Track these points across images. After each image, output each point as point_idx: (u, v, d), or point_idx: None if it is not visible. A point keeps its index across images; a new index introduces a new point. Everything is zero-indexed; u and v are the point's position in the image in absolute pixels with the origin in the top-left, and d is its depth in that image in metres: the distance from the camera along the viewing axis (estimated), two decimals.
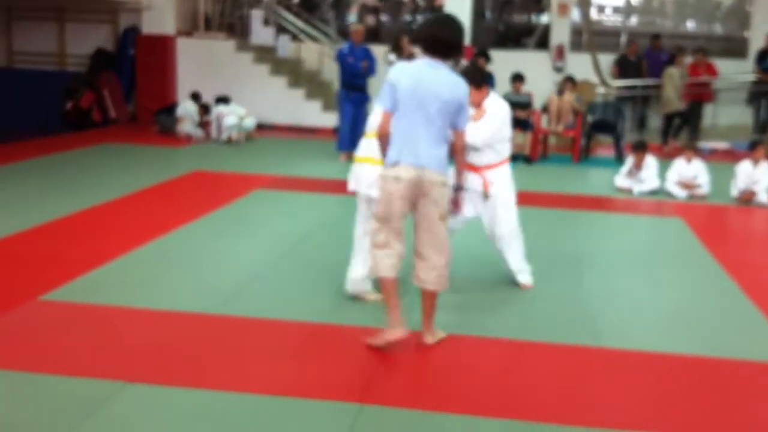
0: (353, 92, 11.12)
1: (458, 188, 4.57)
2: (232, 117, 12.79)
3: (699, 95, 13.81)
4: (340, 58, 11.15)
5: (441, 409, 3.73)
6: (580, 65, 14.10)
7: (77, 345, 4.32)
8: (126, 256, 6.03)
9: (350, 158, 11.22)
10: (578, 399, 3.93)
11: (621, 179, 9.89)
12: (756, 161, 9.29)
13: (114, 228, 7.00)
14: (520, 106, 11.87)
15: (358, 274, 5.17)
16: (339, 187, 9.63)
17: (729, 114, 14.77)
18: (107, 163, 10.66)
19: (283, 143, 13.15)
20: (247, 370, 4.10)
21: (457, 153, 4.44)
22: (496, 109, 5.43)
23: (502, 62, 13.21)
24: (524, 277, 5.68)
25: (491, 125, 5.34)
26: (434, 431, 3.54)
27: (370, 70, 11.14)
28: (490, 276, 5.85)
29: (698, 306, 5.50)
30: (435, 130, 4.20)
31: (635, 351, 4.57)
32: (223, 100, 13.15)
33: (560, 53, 14.93)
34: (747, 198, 9.19)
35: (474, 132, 5.21)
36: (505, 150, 5.52)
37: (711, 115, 14.60)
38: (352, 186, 5.19)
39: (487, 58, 12.43)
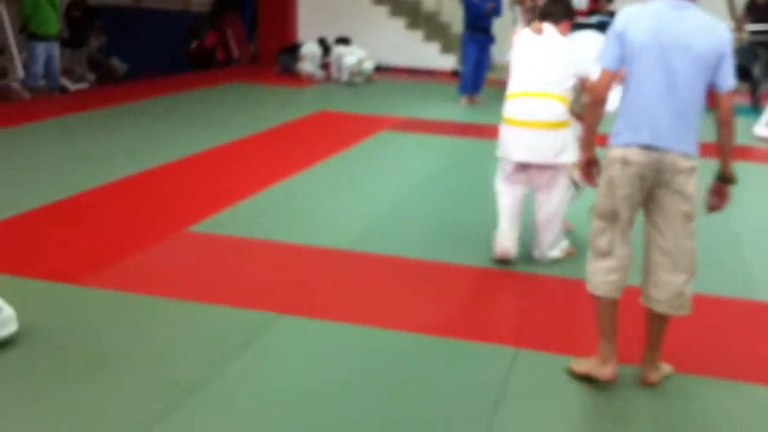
0: (478, 34, 10.88)
1: (727, 180, 3.32)
2: (351, 58, 12.76)
3: None
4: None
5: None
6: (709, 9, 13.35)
7: (226, 275, 4.41)
8: (262, 193, 6.10)
9: (472, 101, 11.13)
10: None
11: (762, 128, 9.38)
12: None
13: (249, 165, 7.10)
14: None
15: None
16: (463, 129, 9.57)
17: None
18: (234, 101, 10.83)
19: (402, 85, 13.06)
20: (394, 308, 4.09)
21: (723, 125, 3.21)
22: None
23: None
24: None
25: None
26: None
27: (496, 11, 10.85)
28: None
29: None
30: (683, 95, 3.11)
31: None
32: (343, 40, 13.13)
33: None
34: None
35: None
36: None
37: None
38: (509, 154, 4.65)
39: None
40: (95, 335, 3.59)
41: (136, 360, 3.38)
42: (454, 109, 10.81)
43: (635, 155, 3.13)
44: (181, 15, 15.23)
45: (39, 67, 10.54)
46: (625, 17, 3.21)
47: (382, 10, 14.88)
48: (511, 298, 4.35)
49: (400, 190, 6.45)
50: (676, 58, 3.09)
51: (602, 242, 3.25)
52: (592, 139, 3.33)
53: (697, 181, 3.17)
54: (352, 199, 6.12)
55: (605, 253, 3.25)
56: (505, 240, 4.70)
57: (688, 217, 3.16)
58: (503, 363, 3.52)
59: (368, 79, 12.95)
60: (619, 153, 3.16)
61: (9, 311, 3.39)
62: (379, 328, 3.82)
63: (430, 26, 15.16)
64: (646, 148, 3.12)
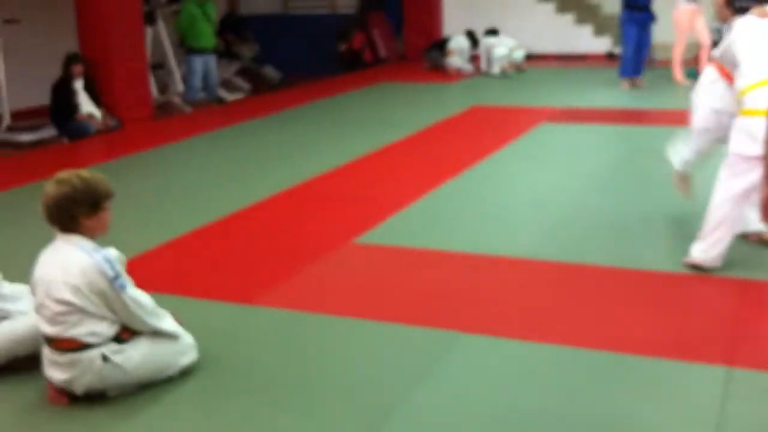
0: (638, 12, 10.28)
1: None
2: (501, 48, 12.39)
3: None
4: None
5: None
6: None
7: (399, 290, 4.22)
8: (424, 198, 5.90)
9: (634, 85, 10.53)
10: None
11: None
12: None
13: (407, 169, 6.94)
14: None
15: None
16: (629, 116, 9.04)
17: None
18: (385, 102, 10.74)
19: (555, 73, 12.59)
20: (583, 323, 3.77)
21: None
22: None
23: None
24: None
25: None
26: None
27: None
28: None
29: None
30: None
31: None
32: (491, 32, 12.79)
33: None
34: None
35: None
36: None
37: None
38: (744, 148, 4.05)
39: None
40: (275, 360, 3.48)
41: (321, 386, 3.24)
42: (616, 95, 10.26)
43: None
44: (328, 18, 15.34)
45: (197, 81, 10.85)
46: None
47: None
48: (716, 308, 3.92)
49: (569, 188, 6.09)
50: None
51: None
52: None
53: None
54: (519, 201, 5.81)
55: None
56: (723, 248, 4.25)
57: None
58: (715, 386, 3.13)
59: (519, 68, 12.54)
60: None
61: (188, 339, 3.34)
62: (569, 346, 3.51)
63: (581, 8, 14.54)
64: None
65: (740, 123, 4.11)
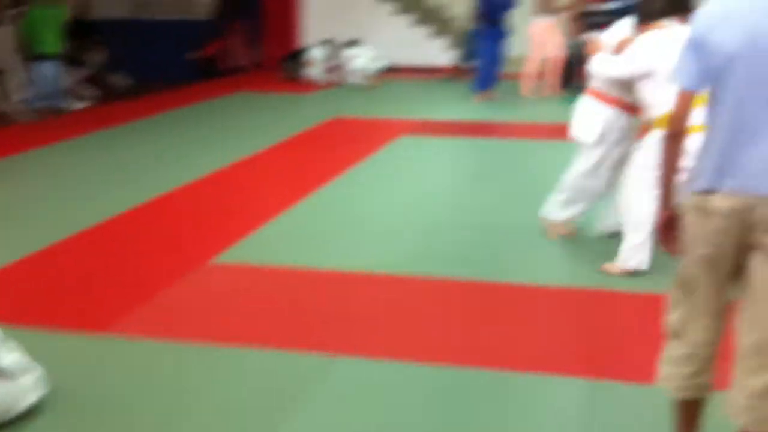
0: (492, 27, 10.54)
1: None
2: (361, 59, 12.42)
3: None
4: None
5: None
6: None
7: (264, 312, 4.06)
8: (287, 213, 5.75)
9: (488, 97, 10.79)
10: None
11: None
12: None
13: (267, 182, 6.78)
14: None
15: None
16: (483, 129, 9.23)
17: None
18: (244, 113, 10.50)
19: (414, 85, 12.74)
20: (454, 338, 3.74)
21: None
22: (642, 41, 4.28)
23: None
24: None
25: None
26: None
27: (511, 3, 10.51)
28: None
29: None
30: None
31: None
32: (351, 43, 12.80)
33: None
34: None
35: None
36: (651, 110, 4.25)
37: None
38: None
39: None
40: (132, 395, 3.23)
41: (183, 421, 3.04)
42: (471, 107, 10.48)
43: (719, 203, 2.28)
44: (183, 24, 14.88)
45: (41, 88, 10.22)
46: (705, 16, 2.33)
47: (388, 8, 14.53)
48: (576, 321, 3.99)
49: (433, 200, 6.11)
50: None
51: (673, 318, 2.48)
52: (672, 188, 2.46)
53: None
54: (385, 215, 5.76)
55: (674, 334, 2.48)
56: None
57: None
58: (578, 395, 3.17)
59: (379, 80, 12.60)
60: (696, 201, 2.33)
61: (32, 376, 3.05)
62: (441, 365, 3.46)
63: (439, 21, 14.81)
64: (735, 194, 2.26)
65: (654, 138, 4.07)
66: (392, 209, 5.89)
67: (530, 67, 11.09)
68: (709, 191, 2.30)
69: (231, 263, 4.77)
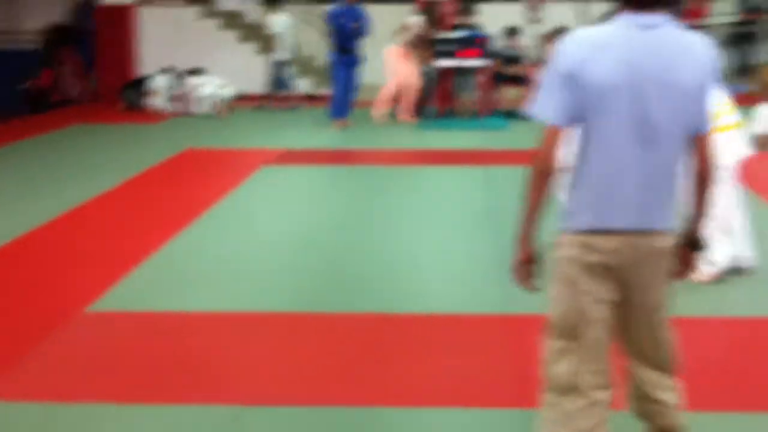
0: (346, 55, 10.50)
1: (695, 246, 2.45)
2: (208, 87, 12.03)
3: None
4: (332, 19, 10.48)
5: None
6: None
7: (143, 363, 3.69)
8: (158, 253, 5.35)
9: (344, 125, 10.71)
10: None
11: None
12: None
13: (131, 220, 6.32)
14: (514, 60, 11.48)
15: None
16: (343, 157, 9.12)
17: None
18: (85, 147, 9.83)
19: (263, 113, 12.41)
20: (351, 377, 3.56)
21: (706, 180, 2.37)
22: None
23: (488, 14, 12.67)
24: None
25: None
26: None
27: (363, 30, 10.52)
28: None
29: None
30: (664, 149, 2.25)
31: None
32: (195, 71, 12.37)
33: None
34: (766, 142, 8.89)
35: None
36: None
37: None
38: None
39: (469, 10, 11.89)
40: None
41: None
42: (329, 135, 10.35)
43: (602, 242, 2.25)
44: (10, 54, 13.87)
45: None
46: (576, 49, 2.23)
47: (231, 36, 14.18)
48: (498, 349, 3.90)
49: (305, 234, 5.89)
50: (655, 100, 2.20)
51: (561, 370, 2.31)
52: (533, 227, 2.35)
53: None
54: (257, 251, 5.44)
55: (569, 389, 2.30)
56: None
57: (662, 308, 2.37)
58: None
59: (228, 108, 12.23)
60: (578, 240, 2.27)
61: None
62: (341, 406, 3.27)
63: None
64: (616, 231, 2.25)
65: None
66: (264, 245, 5.60)
67: (384, 94, 11.13)
68: (590, 231, 2.26)
69: (106, 311, 4.36)
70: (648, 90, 2.18)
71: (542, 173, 2.27)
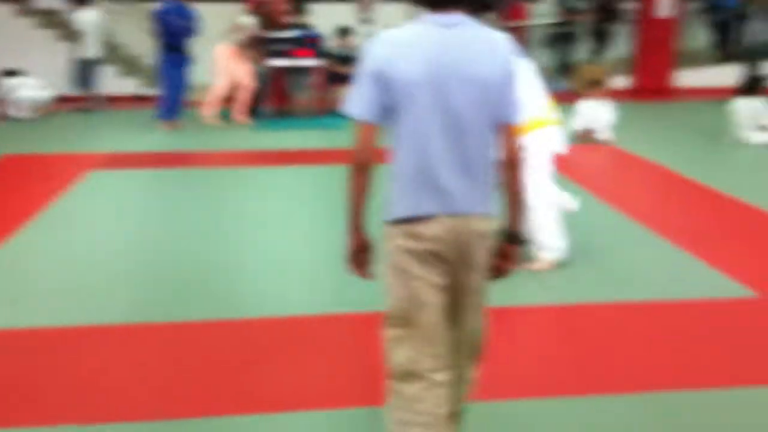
0: (175, 54, 10.18)
1: (514, 239, 2.56)
2: (25, 90, 11.32)
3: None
4: (159, 17, 10.12)
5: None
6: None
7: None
8: None
9: (174, 126, 10.37)
10: None
11: None
12: (596, 100, 9.54)
13: None
14: (347, 60, 11.52)
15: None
16: (176, 159, 8.81)
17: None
18: None
19: (84, 116, 11.80)
20: (203, 387, 3.45)
21: (512, 167, 2.49)
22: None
23: (320, 14, 12.68)
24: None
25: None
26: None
27: (193, 29, 10.23)
28: None
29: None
30: (471, 139, 2.37)
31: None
32: (11, 72, 11.59)
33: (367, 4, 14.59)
34: (587, 136, 9.44)
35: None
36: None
37: None
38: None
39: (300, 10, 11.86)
40: None
41: None
42: (159, 137, 10.00)
43: (426, 228, 2.35)
44: None
45: None
46: (382, 49, 2.36)
47: (48, 35, 13.41)
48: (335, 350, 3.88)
49: (137, 239, 5.67)
50: (458, 94, 2.32)
51: (400, 357, 2.41)
52: (360, 217, 2.47)
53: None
54: (90, 260, 5.19)
55: (408, 374, 2.39)
56: None
57: (482, 291, 2.50)
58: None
59: (48, 111, 11.55)
60: (402, 229, 2.37)
61: None
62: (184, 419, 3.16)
63: (105, 48, 13.95)
64: (439, 217, 2.36)
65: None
66: (95, 255, 5.33)
67: (214, 94, 10.90)
68: (411, 219, 2.36)
69: None
70: (450, 84, 2.32)
71: (360, 167, 2.39)
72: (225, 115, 10.96)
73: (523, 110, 2.48)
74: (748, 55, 14.38)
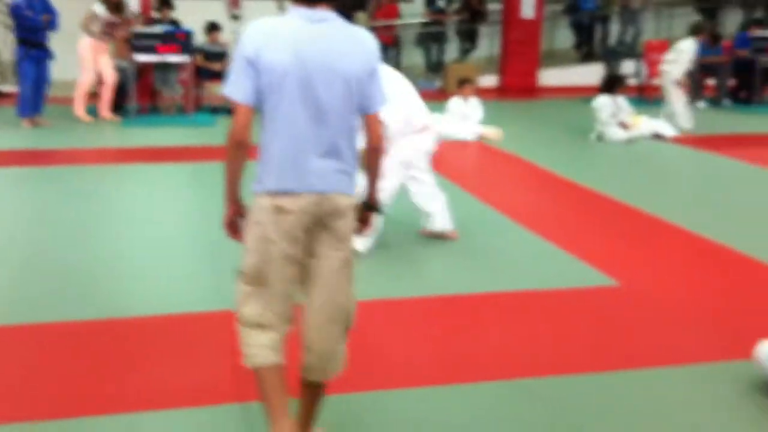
0: (34, 49, 9.71)
1: (371, 208, 2.81)
2: None
3: (386, 39, 14.25)
4: (16, 11, 9.62)
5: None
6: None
7: None
8: None
9: (36, 123, 9.89)
10: None
11: None
12: (465, 98, 9.76)
13: None
14: (216, 57, 11.35)
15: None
16: (36, 157, 8.39)
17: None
18: None
19: None
20: (91, 385, 3.30)
21: (375, 152, 2.72)
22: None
23: (189, 10, 12.40)
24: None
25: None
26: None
27: (52, 24, 9.79)
28: None
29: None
30: (335, 126, 2.56)
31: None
32: None
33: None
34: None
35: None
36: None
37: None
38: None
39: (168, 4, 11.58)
40: None
41: None
42: (20, 135, 9.52)
43: (290, 202, 2.54)
44: None
45: None
46: (254, 36, 2.51)
47: None
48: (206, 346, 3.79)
49: (5, 240, 5.37)
50: (323, 84, 2.51)
51: (249, 310, 2.64)
52: (236, 189, 2.67)
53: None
54: None
55: (257, 325, 2.64)
56: None
57: (347, 263, 2.65)
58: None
59: None
60: (268, 200, 2.56)
61: None
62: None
63: None
64: (302, 193, 2.55)
65: None
66: None
67: (81, 90, 10.48)
68: (278, 193, 2.56)
69: None
70: (314, 76, 2.50)
71: (235, 145, 2.57)
72: (92, 111, 10.57)
73: (386, 102, 2.68)
74: (609, 55, 15.12)
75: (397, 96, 4.76)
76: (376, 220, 4.08)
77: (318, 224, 2.58)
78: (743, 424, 3.16)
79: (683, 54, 10.16)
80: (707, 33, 11.46)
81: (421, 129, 5.10)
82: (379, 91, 2.65)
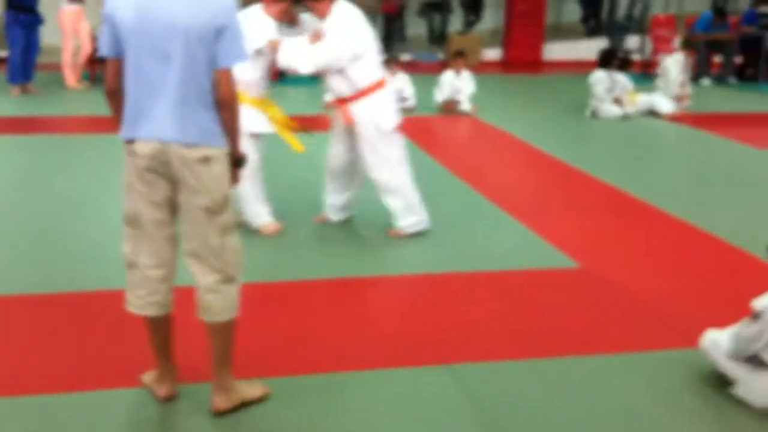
0: (22, 14, 9.63)
1: (235, 162, 2.93)
2: None
3: (390, 8, 14.05)
4: None
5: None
6: None
7: None
8: None
9: (26, 91, 9.84)
10: None
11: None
12: (458, 71, 9.60)
13: None
14: None
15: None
16: (24, 125, 8.34)
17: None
18: None
19: None
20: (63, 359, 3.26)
21: (224, 107, 2.82)
22: (339, 22, 4.58)
23: None
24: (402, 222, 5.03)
25: (327, 47, 4.58)
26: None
27: None
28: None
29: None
30: (180, 78, 2.70)
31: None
32: None
33: None
34: (450, 107, 9.51)
35: (296, 57, 4.61)
36: (363, 77, 4.71)
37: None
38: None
39: None
40: None
41: None
42: (10, 102, 9.49)
43: (140, 148, 2.76)
44: None
45: None
46: None
47: None
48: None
49: None
50: (167, 39, 2.68)
51: (126, 249, 2.90)
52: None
53: (222, 170, 2.80)
54: None
55: (130, 264, 2.90)
56: None
57: (211, 211, 2.78)
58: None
59: None
60: (127, 148, 2.82)
61: None
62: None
63: None
64: (149, 140, 2.75)
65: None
66: None
67: (65, 57, 10.43)
68: (132, 139, 2.78)
69: None
70: (155, 32, 2.68)
71: (109, 93, 2.86)
72: (87, 77, 10.53)
73: (240, 59, 2.82)
74: (613, 29, 14.84)
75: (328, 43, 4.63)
76: (396, 201, 4.91)
77: (172, 171, 2.76)
78: (682, 413, 3.07)
79: (668, 71, 9.86)
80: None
81: (376, 85, 4.80)
82: (230, 47, 2.77)
